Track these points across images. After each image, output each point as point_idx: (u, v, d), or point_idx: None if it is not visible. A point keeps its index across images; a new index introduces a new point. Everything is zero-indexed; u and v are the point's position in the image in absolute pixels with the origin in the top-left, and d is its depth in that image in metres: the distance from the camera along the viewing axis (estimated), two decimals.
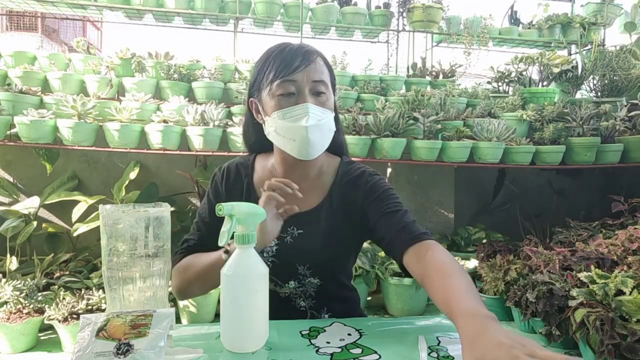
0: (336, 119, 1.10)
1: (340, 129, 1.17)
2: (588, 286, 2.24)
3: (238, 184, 1.14)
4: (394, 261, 1.03)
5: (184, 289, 1.09)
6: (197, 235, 1.13)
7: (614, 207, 3.13)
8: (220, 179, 1.16)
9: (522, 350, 0.59)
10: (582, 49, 4.17)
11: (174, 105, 2.83)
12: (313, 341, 0.85)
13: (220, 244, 0.80)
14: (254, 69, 1.10)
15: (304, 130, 0.98)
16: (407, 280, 2.92)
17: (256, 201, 1.01)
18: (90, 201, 2.87)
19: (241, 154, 2.52)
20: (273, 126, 1.03)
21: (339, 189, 1.10)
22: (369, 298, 3.16)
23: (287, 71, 0.99)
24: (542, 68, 3.64)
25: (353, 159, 1.26)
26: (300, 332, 0.90)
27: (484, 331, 0.65)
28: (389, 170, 3.62)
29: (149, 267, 0.82)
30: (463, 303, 0.72)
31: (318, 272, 1.09)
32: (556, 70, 3.57)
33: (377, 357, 0.79)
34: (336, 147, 1.15)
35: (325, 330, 0.90)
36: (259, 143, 1.16)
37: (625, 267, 2.33)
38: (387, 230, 1.00)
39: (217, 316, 2.68)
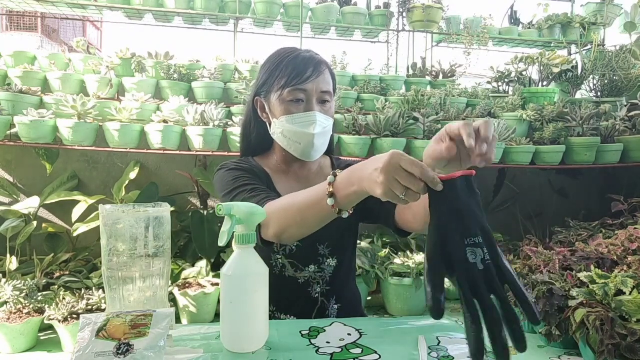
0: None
1: (333, 130, 1.25)
2: (588, 286, 2.24)
3: (255, 169, 1.16)
4: (388, 226, 1.10)
5: (284, 231, 0.95)
6: (262, 188, 1.07)
7: (614, 207, 3.13)
8: (238, 164, 1.15)
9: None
10: (582, 49, 4.17)
11: (174, 105, 2.83)
12: (313, 341, 0.85)
13: (220, 244, 0.80)
14: (263, 70, 1.16)
15: (311, 137, 1.09)
16: (407, 280, 2.92)
17: (275, 190, 1.13)
18: (90, 201, 2.87)
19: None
20: (280, 128, 1.11)
21: None
22: (369, 298, 3.17)
23: (299, 80, 1.08)
24: (542, 68, 3.64)
25: (354, 158, 1.32)
26: (300, 332, 0.90)
27: None
28: None
29: (149, 267, 0.82)
30: None
31: (336, 251, 1.17)
32: (556, 70, 3.57)
33: (377, 357, 0.79)
34: (329, 145, 1.23)
35: (325, 330, 0.90)
36: (258, 141, 1.21)
37: (625, 267, 2.34)
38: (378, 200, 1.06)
39: (217, 316, 2.69)
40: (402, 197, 0.69)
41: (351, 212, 0.87)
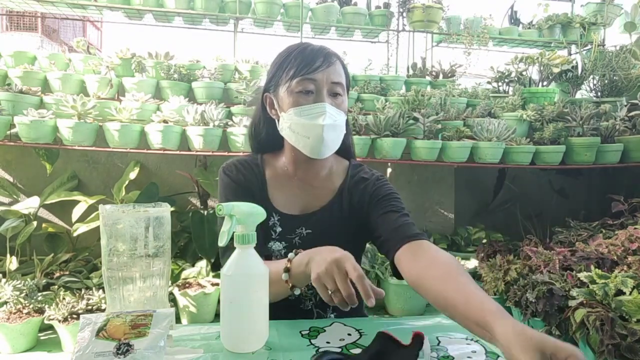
0: (346, 121, 1.12)
1: (349, 131, 1.18)
2: (588, 286, 2.24)
3: (253, 177, 1.12)
4: (387, 259, 1.05)
5: None
6: None
7: (614, 207, 3.13)
8: (235, 171, 1.12)
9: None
10: (582, 49, 4.17)
11: (174, 105, 2.83)
12: (313, 341, 0.85)
13: (220, 244, 0.80)
14: (271, 66, 1.10)
15: (320, 129, 1.01)
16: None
17: (269, 201, 1.08)
18: (90, 201, 2.87)
19: (240, 154, 2.52)
20: (288, 122, 1.04)
21: (348, 190, 1.12)
22: None
23: (308, 69, 1.01)
24: (542, 68, 3.64)
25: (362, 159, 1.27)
26: (300, 332, 0.90)
27: (523, 327, 0.64)
28: (389, 170, 3.62)
29: (149, 267, 0.82)
30: (487, 304, 0.72)
31: None
32: (556, 70, 3.57)
33: None
34: (344, 149, 1.16)
35: (325, 330, 0.90)
36: (268, 140, 1.15)
37: (625, 267, 2.33)
38: (384, 228, 1.02)
39: (217, 316, 2.68)
40: (330, 292, 0.73)
41: (303, 288, 0.90)
